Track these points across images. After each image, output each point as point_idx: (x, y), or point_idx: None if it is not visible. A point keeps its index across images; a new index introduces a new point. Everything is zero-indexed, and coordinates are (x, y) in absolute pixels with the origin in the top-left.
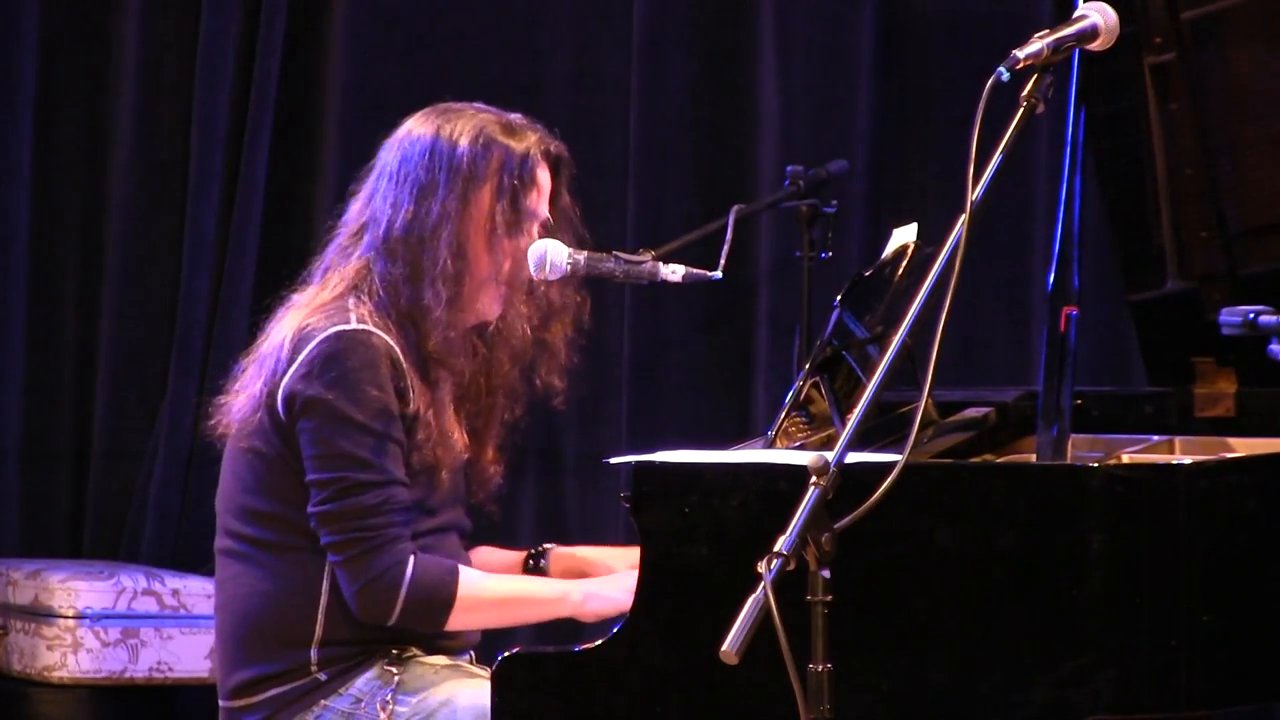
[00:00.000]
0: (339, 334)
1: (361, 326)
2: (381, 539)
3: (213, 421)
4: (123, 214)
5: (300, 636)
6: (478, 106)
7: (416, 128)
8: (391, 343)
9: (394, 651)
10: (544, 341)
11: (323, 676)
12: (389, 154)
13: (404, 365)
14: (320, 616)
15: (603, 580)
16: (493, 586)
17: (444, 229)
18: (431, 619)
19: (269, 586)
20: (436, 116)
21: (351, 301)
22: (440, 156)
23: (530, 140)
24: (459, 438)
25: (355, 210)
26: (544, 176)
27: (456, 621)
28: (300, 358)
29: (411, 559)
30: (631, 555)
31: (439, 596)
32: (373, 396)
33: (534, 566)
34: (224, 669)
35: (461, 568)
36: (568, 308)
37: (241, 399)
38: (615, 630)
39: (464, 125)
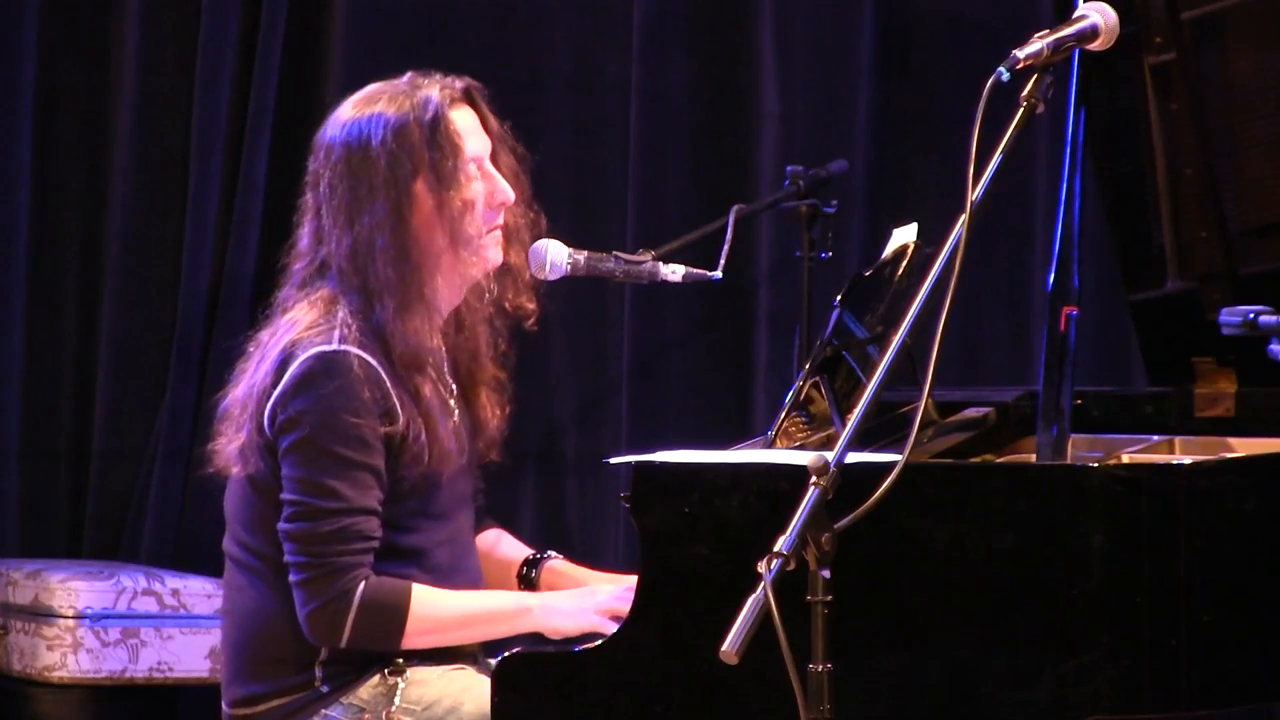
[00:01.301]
0: (319, 355)
1: (342, 348)
2: (332, 566)
3: (210, 469)
4: (123, 214)
5: (305, 657)
6: (373, 90)
7: (331, 145)
8: (374, 363)
9: (398, 660)
10: (505, 266)
11: (325, 689)
12: (318, 183)
13: (387, 385)
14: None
15: (566, 594)
16: (450, 605)
17: (378, 239)
18: (384, 641)
19: (275, 606)
20: (341, 123)
21: (339, 318)
22: (357, 169)
23: (432, 97)
24: (452, 441)
25: (307, 243)
26: (460, 119)
27: (412, 642)
28: (284, 378)
29: (361, 585)
30: (626, 582)
31: (389, 620)
32: (346, 423)
33: (525, 575)
34: (228, 679)
35: (416, 588)
36: (522, 228)
37: (233, 440)
38: (615, 630)
39: (369, 121)
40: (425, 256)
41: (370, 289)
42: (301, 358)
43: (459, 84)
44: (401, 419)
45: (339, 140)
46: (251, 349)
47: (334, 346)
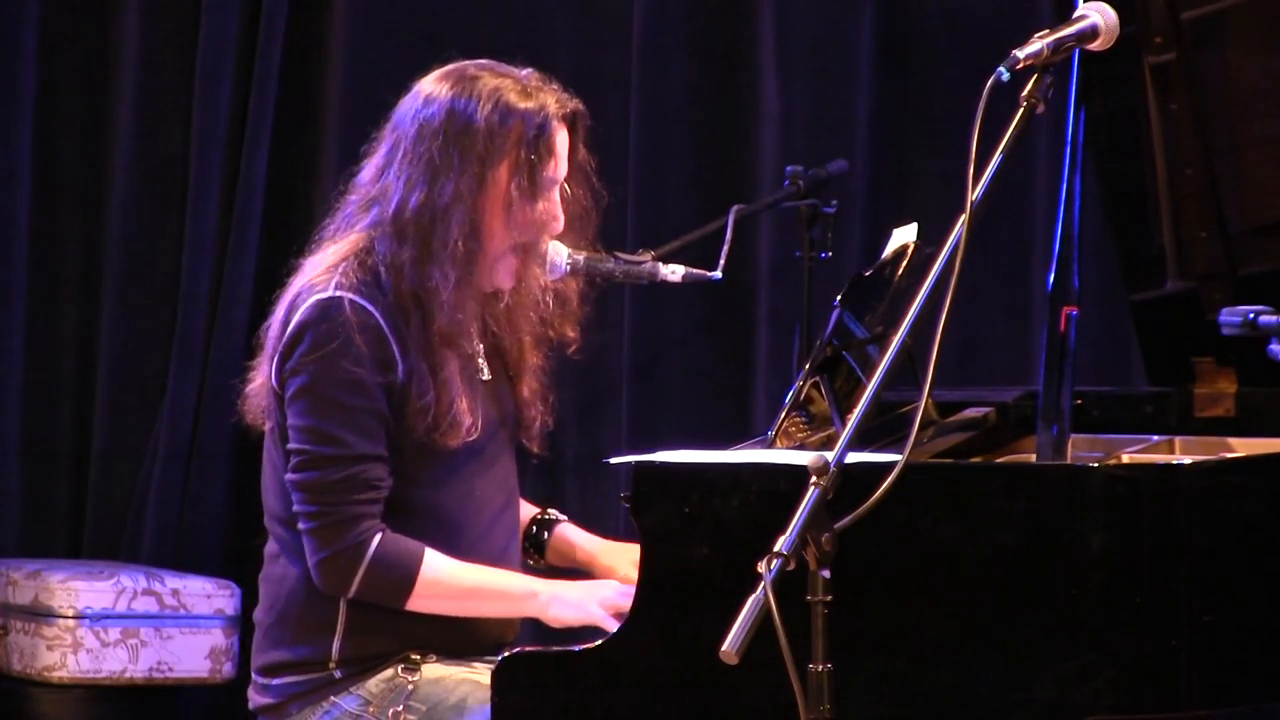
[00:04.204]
0: (315, 303)
1: (338, 294)
2: (342, 515)
3: (242, 408)
4: (123, 214)
5: (325, 624)
6: (494, 69)
7: (432, 97)
8: (372, 309)
9: (414, 657)
10: (558, 292)
11: (338, 674)
12: (405, 125)
13: (385, 331)
14: (342, 604)
15: (574, 586)
16: (459, 575)
17: (456, 210)
18: (391, 598)
19: (300, 570)
20: (452, 85)
21: (341, 267)
22: (455, 135)
23: (548, 106)
24: (467, 415)
25: (368, 176)
26: (562, 140)
27: (417, 604)
28: (287, 330)
29: (377, 537)
30: (634, 552)
31: (397, 578)
32: (342, 369)
33: (535, 535)
34: (256, 645)
35: (429, 552)
36: (582, 251)
37: (255, 380)
38: (615, 630)
39: (479, 97)
40: (491, 243)
41: (433, 253)
42: (302, 307)
43: (570, 104)
44: (400, 369)
45: (443, 99)
46: (291, 278)
47: (329, 294)
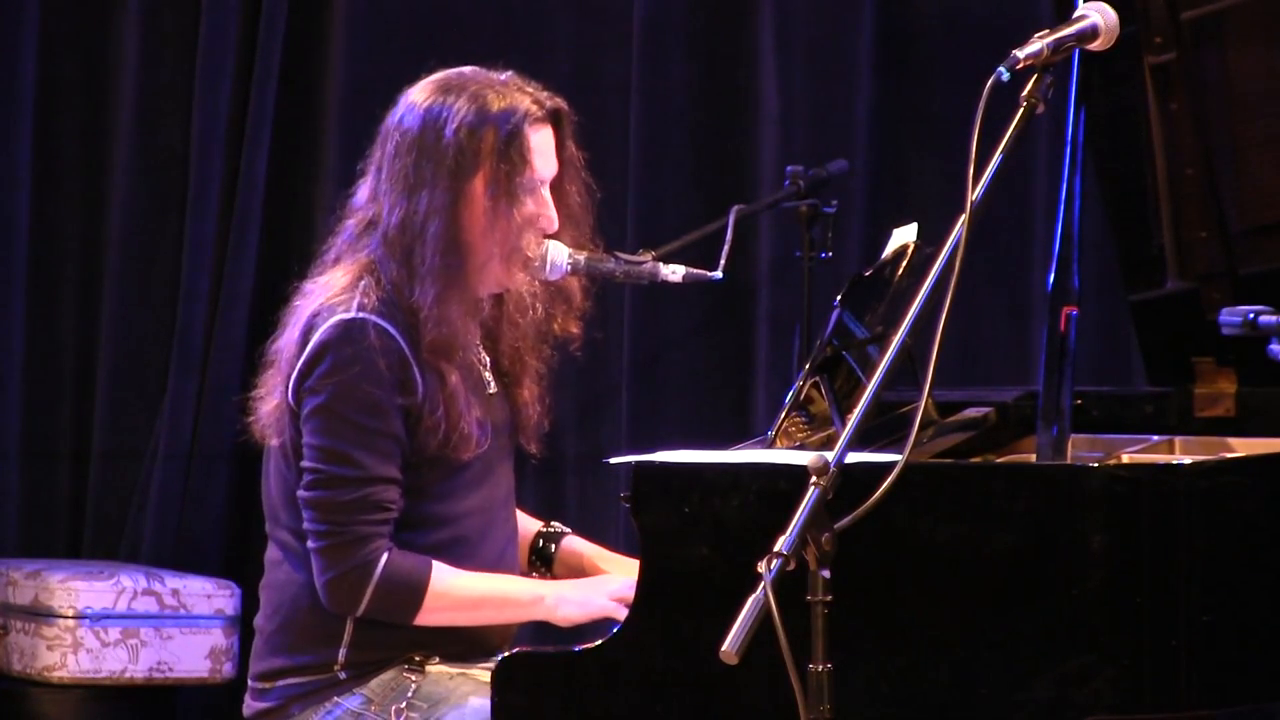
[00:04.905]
0: (338, 324)
1: (361, 316)
2: (352, 535)
3: (250, 420)
4: (123, 214)
5: (331, 634)
6: (474, 77)
7: (410, 109)
8: (394, 333)
9: (416, 658)
10: (561, 289)
11: (342, 675)
12: (387, 142)
13: (406, 354)
14: (349, 618)
15: (579, 584)
16: (466, 586)
17: (431, 224)
18: (400, 614)
19: (305, 578)
20: (428, 96)
21: (361, 286)
22: (427, 150)
23: (521, 108)
24: (475, 427)
25: (363, 197)
26: (540, 140)
27: (426, 618)
28: (307, 346)
29: (384, 556)
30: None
31: (407, 595)
32: (363, 391)
33: (542, 549)
34: (255, 653)
35: (436, 566)
36: (582, 251)
37: (269, 401)
38: (615, 630)
39: (452, 108)
40: (473, 253)
41: (414, 268)
42: (322, 326)
43: (549, 103)
44: (420, 391)
45: (418, 111)
46: (297, 300)
47: (352, 314)
